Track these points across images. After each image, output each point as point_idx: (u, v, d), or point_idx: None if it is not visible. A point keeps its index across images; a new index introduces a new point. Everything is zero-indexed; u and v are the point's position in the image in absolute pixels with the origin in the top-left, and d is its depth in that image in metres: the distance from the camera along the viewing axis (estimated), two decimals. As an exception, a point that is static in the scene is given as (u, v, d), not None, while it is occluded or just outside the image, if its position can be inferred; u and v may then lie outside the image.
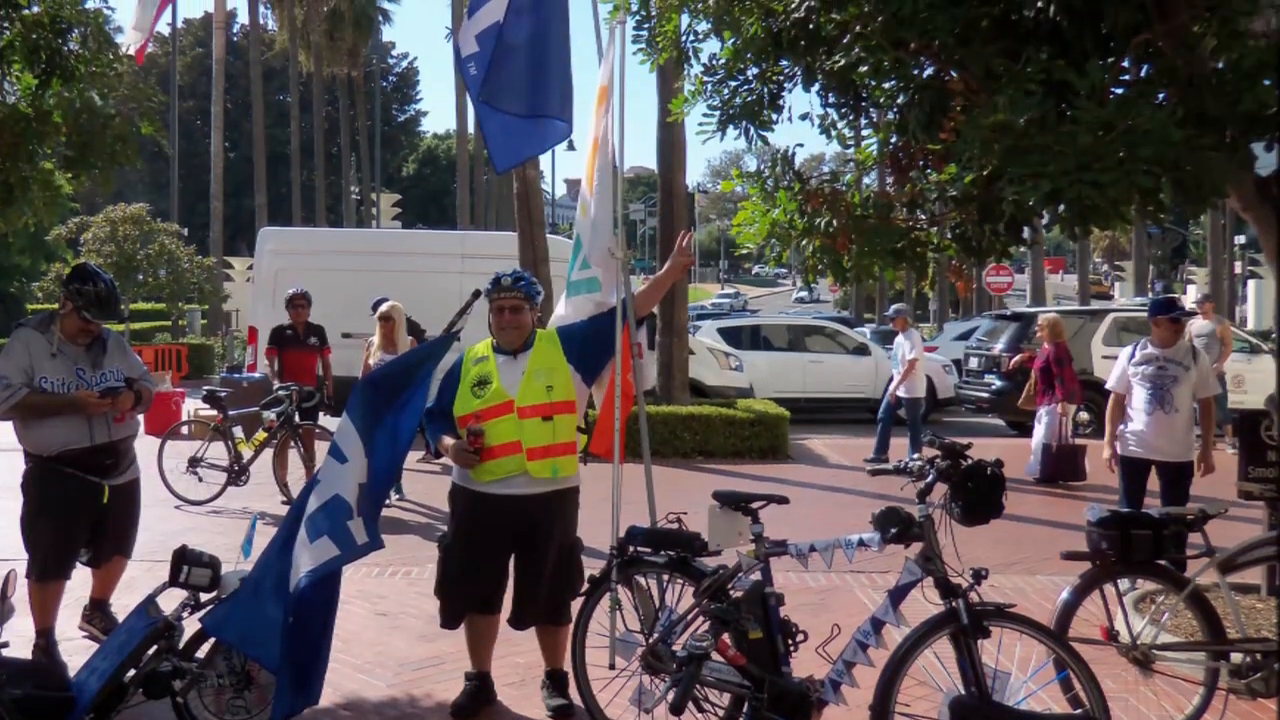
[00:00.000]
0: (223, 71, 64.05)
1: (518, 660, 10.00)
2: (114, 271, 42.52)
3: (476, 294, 9.08)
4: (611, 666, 8.80)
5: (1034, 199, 8.26)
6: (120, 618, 9.34)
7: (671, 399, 25.73)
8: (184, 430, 21.44)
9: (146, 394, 10.23)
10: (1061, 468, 20.33)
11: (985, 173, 9.04)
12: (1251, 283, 71.12)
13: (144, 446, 11.34)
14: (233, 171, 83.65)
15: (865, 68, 9.90)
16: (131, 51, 36.24)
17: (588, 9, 11.81)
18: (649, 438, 10.78)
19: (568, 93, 10.32)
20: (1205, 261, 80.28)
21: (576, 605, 8.80)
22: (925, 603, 7.44)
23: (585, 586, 8.80)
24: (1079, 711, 7.51)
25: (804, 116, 11.11)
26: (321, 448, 15.03)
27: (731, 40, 11.06)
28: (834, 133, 11.12)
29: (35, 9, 12.46)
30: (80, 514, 9.82)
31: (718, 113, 11.32)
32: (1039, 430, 20.65)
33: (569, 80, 10.32)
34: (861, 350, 33.33)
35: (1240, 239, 73.73)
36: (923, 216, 11.19)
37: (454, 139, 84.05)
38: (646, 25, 11.70)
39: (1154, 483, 12.52)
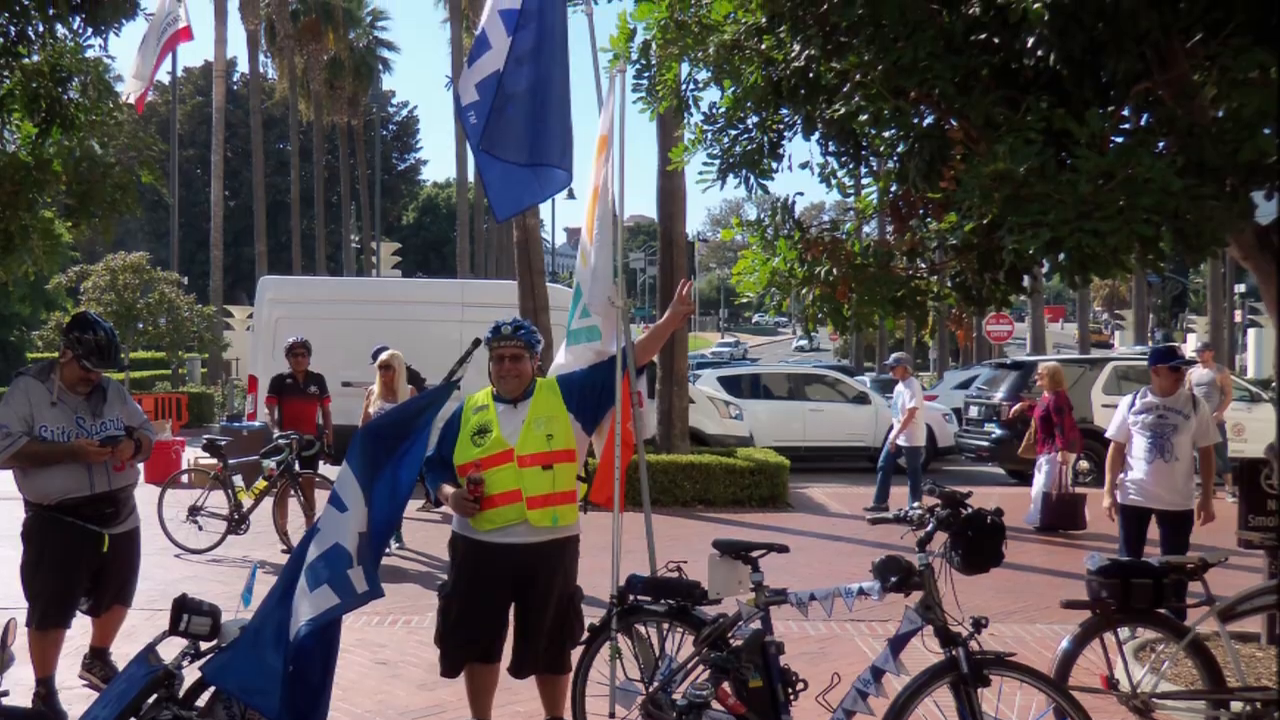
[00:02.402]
0: (223, 120, 64.44)
1: (518, 709, 9.99)
2: (114, 320, 42.71)
3: (477, 342, 9.09)
4: (611, 715, 8.84)
5: (1034, 247, 8.27)
6: (120, 666, 9.32)
7: (671, 447, 25.71)
8: (184, 479, 21.38)
9: (146, 442, 10.23)
10: (1061, 516, 20.29)
11: (985, 221, 9.05)
12: (1251, 331, 71.15)
13: (144, 495, 11.34)
14: (233, 220, 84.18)
15: (865, 116, 9.91)
16: (132, 100, 36.40)
17: (588, 58, 11.84)
18: (649, 486, 10.78)
19: (568, 141, 10.34)
20: (1205, 310, 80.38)
21: (577, 654, 8.80)
22: (925, 651, 7.45)
23: (585, 635, 8.81)
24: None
25: (804, 165, 11.12)
26: (321, 496, 15.06)
27: (731, 89, 11.09)
28: (834, 181, 11.14)
29: (35, 58, 12.50)
30: (80, 562, 9.81)
31: (718, 161, 11.34)
32: (1039, 479, 20.63)
33: (569, 129, 10.35)
34: (861, 399, 33.33)
35: (1240, 287, 73.84)
36: (923, 265, 11.20)
37: (454, 187, 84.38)
38: (646, 74, 11.72)
39: (1154, 531, 12.50)
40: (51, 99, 12.48)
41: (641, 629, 8.79)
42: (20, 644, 8.55)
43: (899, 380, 23.07)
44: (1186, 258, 9.18)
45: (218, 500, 18.38)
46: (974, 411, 31.42)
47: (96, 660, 10.57)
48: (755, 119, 11.29)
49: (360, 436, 8.25)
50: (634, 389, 9.67)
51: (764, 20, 10.57)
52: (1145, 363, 16.34)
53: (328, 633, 7.78)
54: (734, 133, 11.39)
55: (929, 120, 10.19)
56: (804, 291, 10.95)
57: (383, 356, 18.08)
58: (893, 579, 7.56)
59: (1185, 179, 8.06)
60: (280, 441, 17.82)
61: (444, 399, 8.51)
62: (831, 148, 11.10)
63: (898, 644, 7.60)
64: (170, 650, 7.77)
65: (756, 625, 7.84)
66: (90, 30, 11.92)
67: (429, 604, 10.15)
